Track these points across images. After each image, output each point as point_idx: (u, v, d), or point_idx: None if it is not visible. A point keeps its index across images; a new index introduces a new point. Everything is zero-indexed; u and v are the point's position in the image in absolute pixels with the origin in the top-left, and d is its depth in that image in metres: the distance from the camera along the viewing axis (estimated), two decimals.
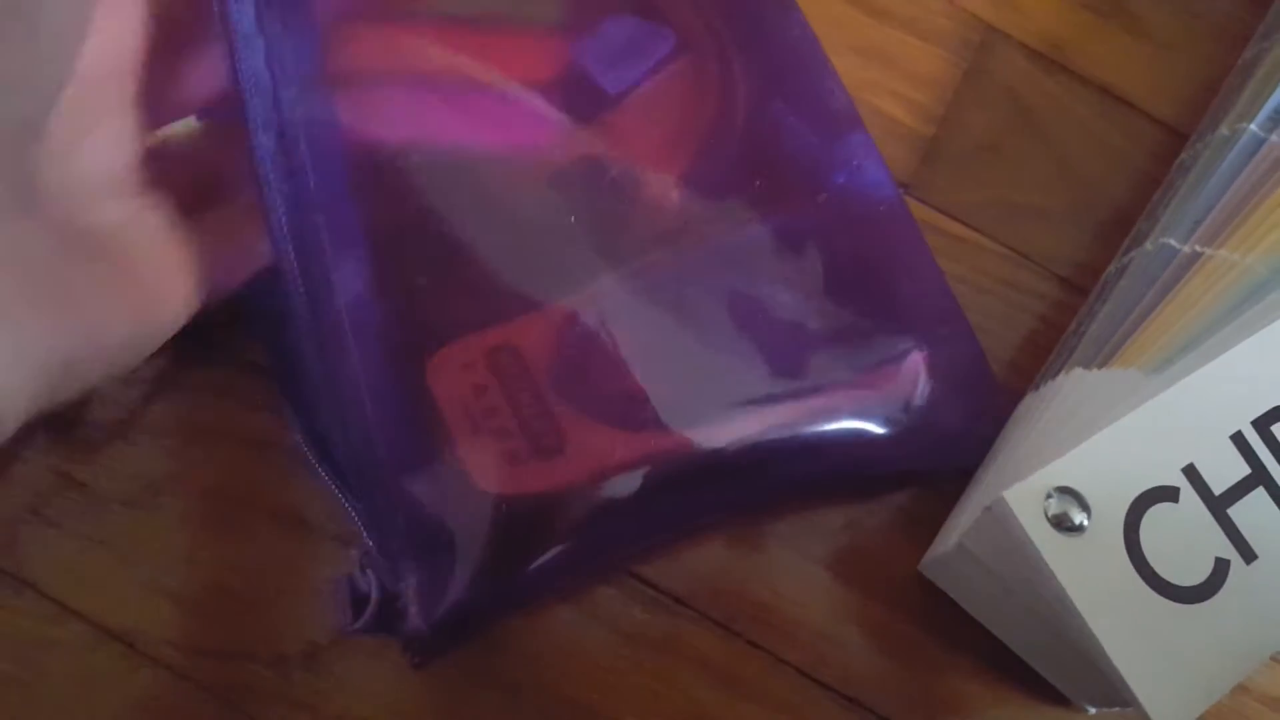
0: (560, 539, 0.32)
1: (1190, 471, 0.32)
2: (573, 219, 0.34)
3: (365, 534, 0.32)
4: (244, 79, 0.28)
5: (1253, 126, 0.40)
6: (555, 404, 0.32)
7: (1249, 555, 0.32)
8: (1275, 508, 0.33)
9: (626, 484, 0.33)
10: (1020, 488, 0.31)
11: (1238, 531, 0.32)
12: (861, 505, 0.38)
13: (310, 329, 0.30)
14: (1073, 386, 0.36)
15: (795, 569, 0.37)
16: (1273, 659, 0.37)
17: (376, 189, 0.31)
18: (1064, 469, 0.32)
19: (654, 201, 0.35)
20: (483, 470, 0.31)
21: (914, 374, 0.36)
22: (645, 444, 0.33)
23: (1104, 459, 0.32)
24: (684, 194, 0.35)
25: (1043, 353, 0.40)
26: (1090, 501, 0.32)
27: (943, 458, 0.37)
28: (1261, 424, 0.33)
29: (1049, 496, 0.32)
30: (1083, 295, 0.41)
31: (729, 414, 0.34)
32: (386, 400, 0.30)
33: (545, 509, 0.32)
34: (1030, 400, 0.38)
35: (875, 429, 0.35)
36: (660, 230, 0.34)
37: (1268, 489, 0.33)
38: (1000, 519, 0.31)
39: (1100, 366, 0.36)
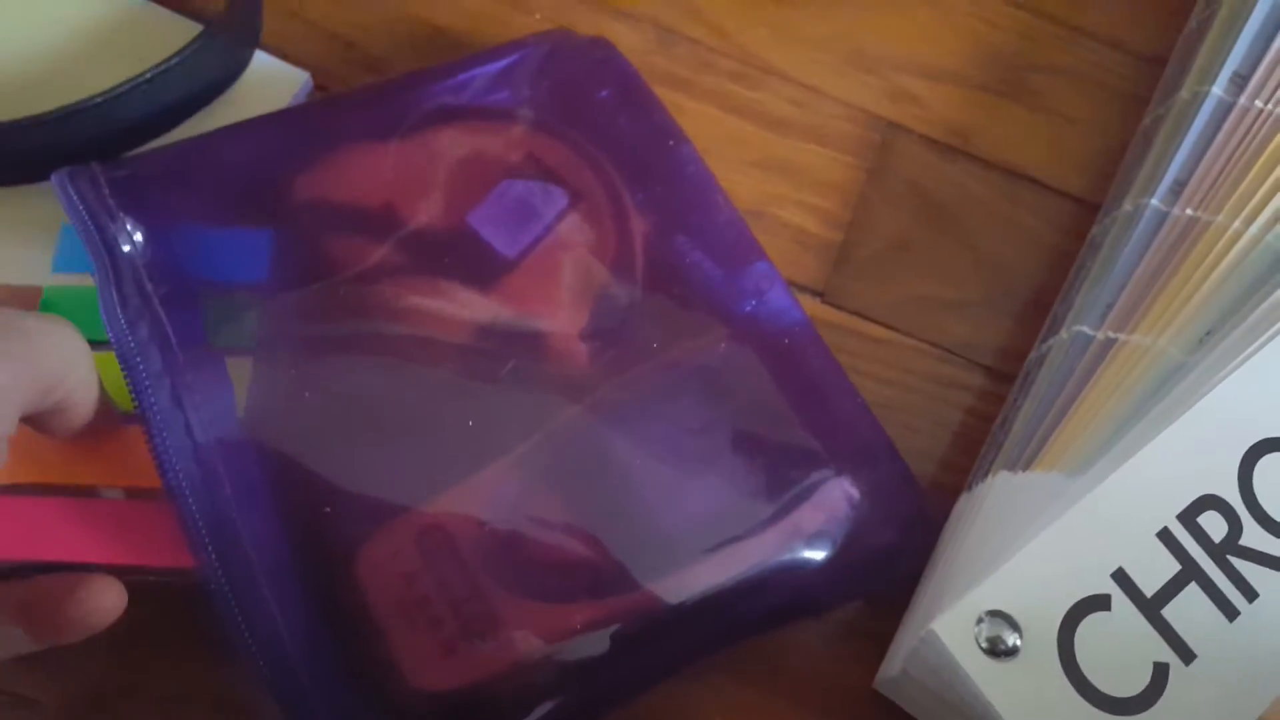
0: None
1: (1120, 576, 0.33)
2: (485, 388, 0.34)
3: None
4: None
5: (1154, 201, 0.41)
6: (485, 584, 0.32)
7: (1187, 656, 0.32)
8: (1209, 602, 0.33)
9: (569, 658, 0.32)
10: (949, 617, 0.31)
11: (1174, 632, 0.32)
12: (808, 627, 0.38)
13: (217, 578, 0.30)
14: (999, 492, 0.36)
15: (750, 702, 0.37)
16: None
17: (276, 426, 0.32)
18: (992, 591, 0.32)
19: (563, 358, 0.35)
20: (417, 667, 0.31)
21: (837, 502, 0.36)
22: (579, 615, 0.32)
23: (1031, 575, 0.32)
24: (592, 346, 0.35)
25: (974, 446, 0.40)
26: (1021, 621, 0.32)
27: (879, 578, 0.37)
28: (1187, 517, 0.34)
29: (979, 621, 0.32)
30: (1008, 381, 0.41)
31: (661, 571, 0.34)
32: (306, 625, 0.30)
33: (482, 697, 0.31)
34: (964, 501, 0.38)
35: (811, 559, 0.35)
36: (572, 387, 0.34)
37: (1200, 584, 0.33)
38: (933, 649, 0.31)
39: (1024, 468, 0.36)
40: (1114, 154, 0.46)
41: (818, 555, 0.35)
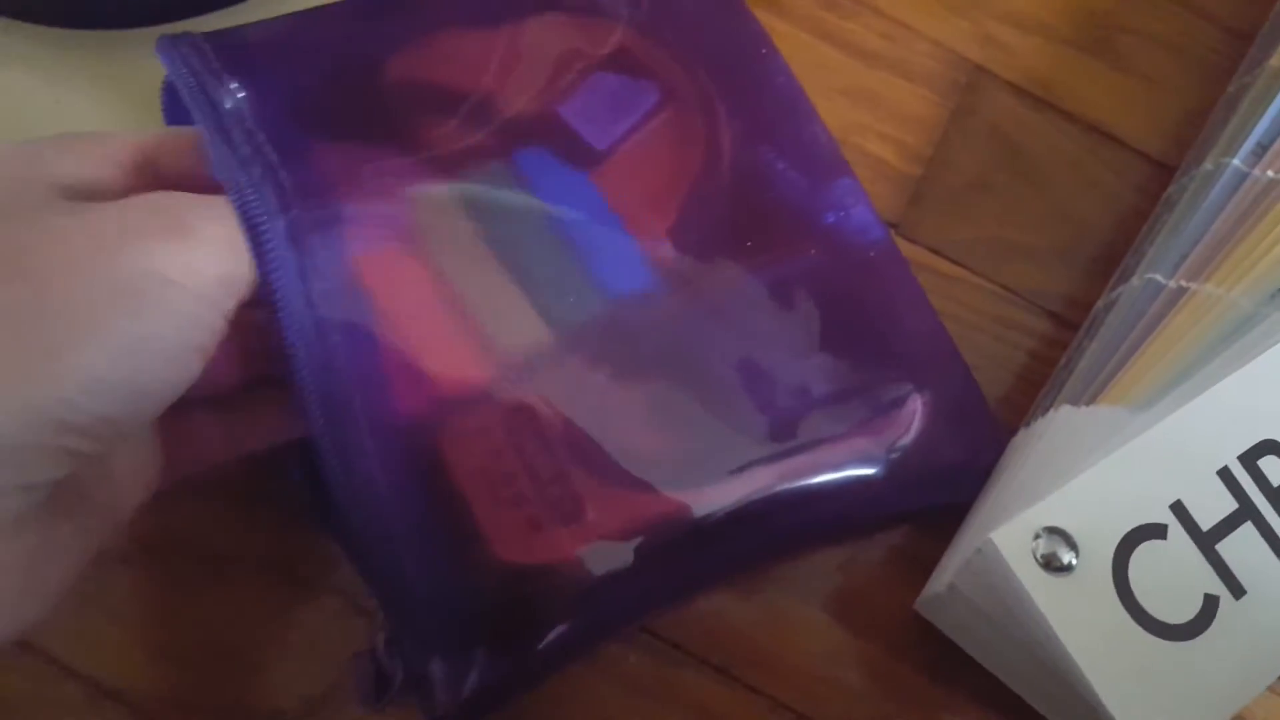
0: (580, 607, 0.32)
1: (1178, 508, 0.33)
2: (573, 273, 0.34)
3: (384, 611, 0.32)
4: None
5: (1236, 161, 0.41)
6: (571, 467, 0.32)
7: (1238, 591, 0.32)
8: (1263, 542, 0.33)
9: (640, 548, 0.33)
10: (1008, 529, 0.32)
11: (1226, 567, 0.32)
12: (857, 546, 0.38)
13: (320, 425, 0.30)
14: (1061, 424, 0.36)
15: (791, 612, 0.37)
16: (1270, 690, 0.37)
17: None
18: (1051, 509, 0.32)
19: (651, 253, 0.35)
20: (503, 541, 0.31)
21: (912, 417, 0.36)
22: (657, 506, 0.33)
23: (1091, 498, 0.32)
24: (679, 243, 0.35)
25: (1034, 388, 0.40)
26: (1078, 540, 0.32)
27: (940, 496, 0.37)
28: (1248, 459, 0.34)
29: (1037, 537, 0.32)
30: (1073, 330, 0.42)
31: (734, 472, 0.34)
32: (402, 483, 0.30)
33: (566, 577, 0.32)
34: (1022, 437, 0.38)
35: (875, 474, 0.36)
36: (659, 282, 0.35)
37: (1255, 524, 0.33)
38: (989, 560, 0.32)
39: (1088, 403, 0.36)
40: (1194, 120, 0.46)
41: (886, 468, 0.36)
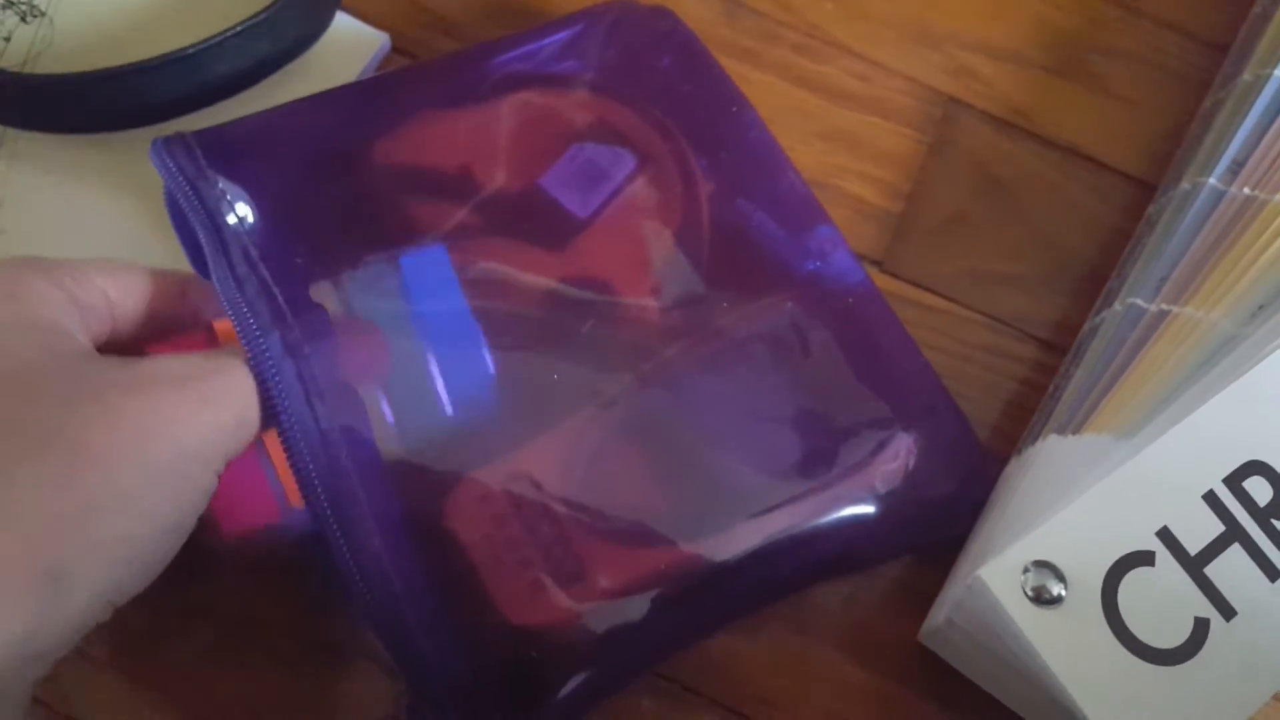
0: (589, 664, 0.33)
1: (1165, 534, 0.33)
2: (567, 345, 0.35)
3: (405, 678, 0.33)
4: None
5: (1212, 180, 0.41)
6: (572, 529, 0.33)
7: (1228, 613, 0.33)
8: (1251, 563, 0.33)
9: (644, 602, 0.34)
10: (995, 564, 0.32)
11: (1216, 590, 0.33)
12: (859, 580, 0.39)
13: (327, 515, 0.31)
14: (1049, 454, 0.37)
15: (799, 649, 0.38)
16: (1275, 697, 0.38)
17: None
18: (1039, 542, 0.33)
19: (636, 316, 0.36)
20: (512, 605, 0.32)
21: (903, 457, 0.37)
22: (659, 560, 0.34)
23: (1078, 529, 0.33)
24: (663, 304, 0.36)
25: (1025, 415, 0.41)
26: (1066, 572, 0.32)
27: (936, 530, 0.38)
28: (1233, 481, 0.34)
29: (1025, 571, 0.32)
30: (1060, 355, 0.42)
31: (733, 522, 0.35)
32: (407, 562, 0.32)
33: (573, 635, 0.33)
34: (1013, 465, 0.39)
35: (870, 514, 0.36)
36: (646, 344, 0.36)
37: (1243, 545, 0.34)
38: (979, 596, 0.32)
39: (1075, 432, 0.37)
40: (1172, 136, 0.46)
41: (880, 509, 0.36)
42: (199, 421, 0.28)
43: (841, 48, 0.46)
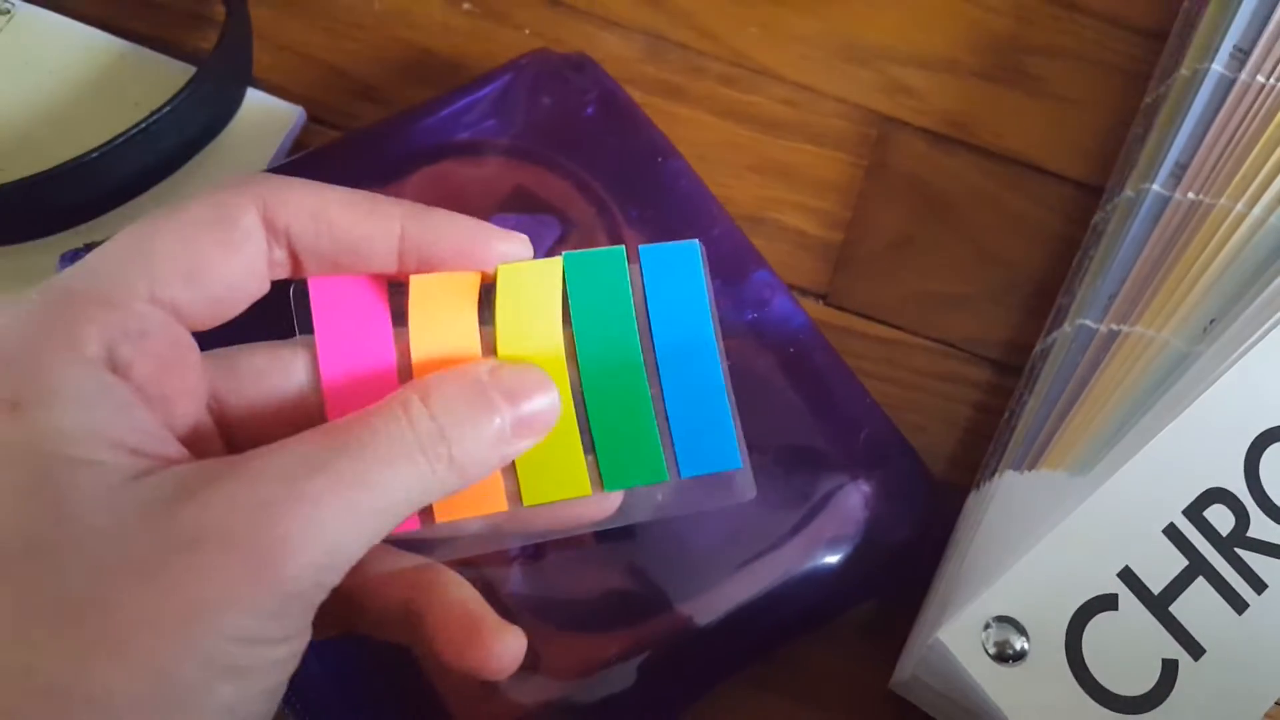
0: None
1: (1127, 575, 0.33)
2: None
3: None
4: None
5: (1155, 186, 0.40)
6: (523, 620, 0.32)
7: (1196, 651, 0.32)
8: (1217, 596, 0.33)
9: (609, 684, 0.33)
10: (956, 624, 0.32)
11: (1182, 629, 0.32)
12: (828, 631, 0.38)
13: None
14: (1005, 492, 0.36)
15: (771, 709, 0.37)
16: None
17: None
18: (997, 597, 0.32)
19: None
20: (462, 708, 0.32)
21: (859, 503, 0.36)
22: (615, 643, 0.33)
23: (1037, 579, 0.32)
24: None
25: (982, 442, 0.40)
26: (1028, 625, 0.32)
27: (898, 575, 0.37)
28: (1193, 512, 0.33)
29: (987, 627, 0.32)
30: (1015, 375, 0.41)
31: (691, 593, 0.34)
32: (344, 667, 0.31)
33: None
34: (973, 500, 0.38)
35: (833, 564, 0.35)
36: None
37: (1207, 578, 0.33)
38: (940, 657, 0.32)
39: (1030, 468, 0.36)
40: (1117, 134, 0.45)
41: (838, 559, 0.35)
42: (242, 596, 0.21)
43: (769, 74, 0.45)
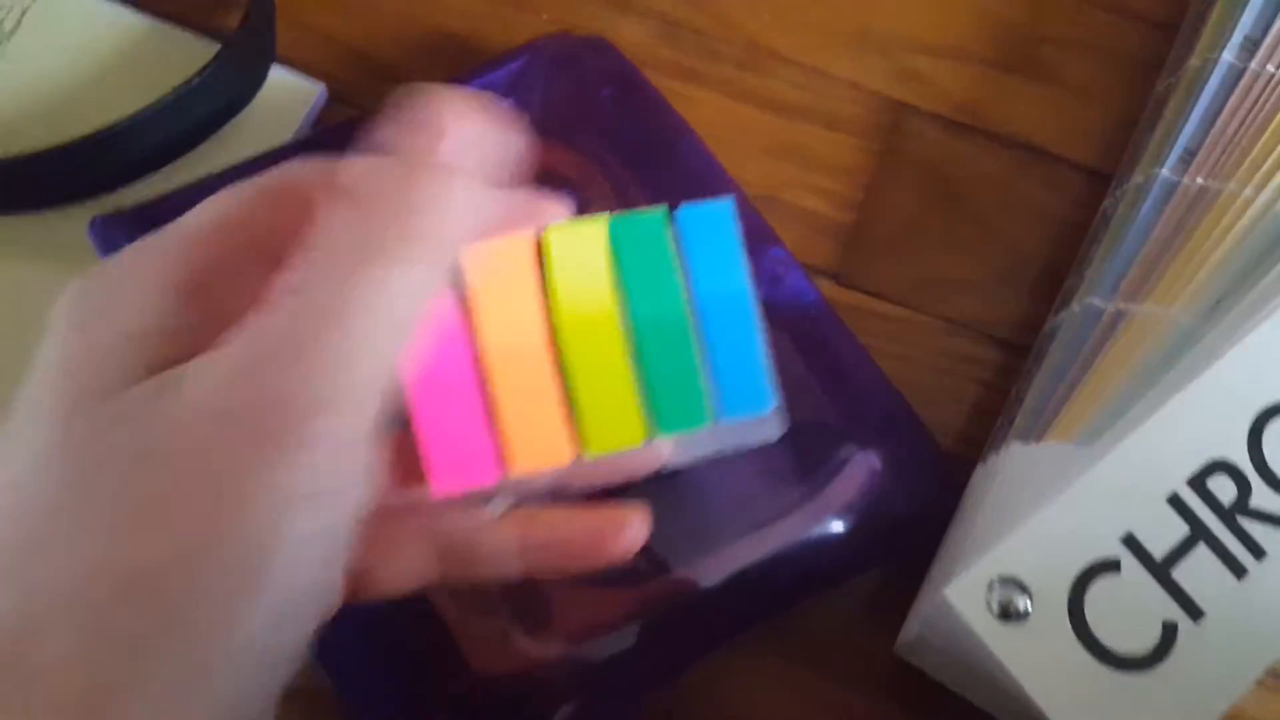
0: (565, 706, 0.33)
1: (1130, 540, 0.33)
2: None
3: None
4: None
5: (1164, 171, 0.41)
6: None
7: (1196, 614, 0.33)
8: (1219, 563, 0.33)
9: (620, 640, 0.34)
10: (960, 583, 0.32)
11: (1183, 592, 0.33)
12: (831, 596, 0.39)
13: None
14: (1012, 463, 0.36)
15: (775, 672, 0.38)
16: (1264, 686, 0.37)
17: None
18: (1002, 557, 0.33)
19: None
20: (479, 653, 0.32)
21: (868, 474, 0.37)
22: (626, 599, 0.34)
23: (1042, 541, 0.33)
24: None
25: (989, 419, 0.41)
26: (1032, 586, 0.32)
27: (905, 546, 0.38)
28: (1197, 482, 0.34)
29: (991, 587, 0.32)
30: (1022, 355, 0.42)
31: (702, 553, 0.35)
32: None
33: (546, 680, 0.33)
34: (979, 474, 0.39)
35: (841, 531, 0.36)
36: None
37: (1209, 545, 0.33)
38: (945, 615, 0.32)
39: (1037, 439, 0.37)
40: (1127, 124, 0.46)
41: (847, 527, 0.36)
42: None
43: (783, 59, 0.46)
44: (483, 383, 0.26)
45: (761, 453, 0.35)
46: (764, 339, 0.28)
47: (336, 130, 0.39)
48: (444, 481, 0.25)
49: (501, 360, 0.26)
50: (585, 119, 0.39)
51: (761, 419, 0.28)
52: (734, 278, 0.28)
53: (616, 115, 0.39)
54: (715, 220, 0.28)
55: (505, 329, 0.26)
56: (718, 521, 0.35)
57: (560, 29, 0.43)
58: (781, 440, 0.36)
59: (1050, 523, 0.33)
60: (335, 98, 0.44)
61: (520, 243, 0.26)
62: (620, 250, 0.27)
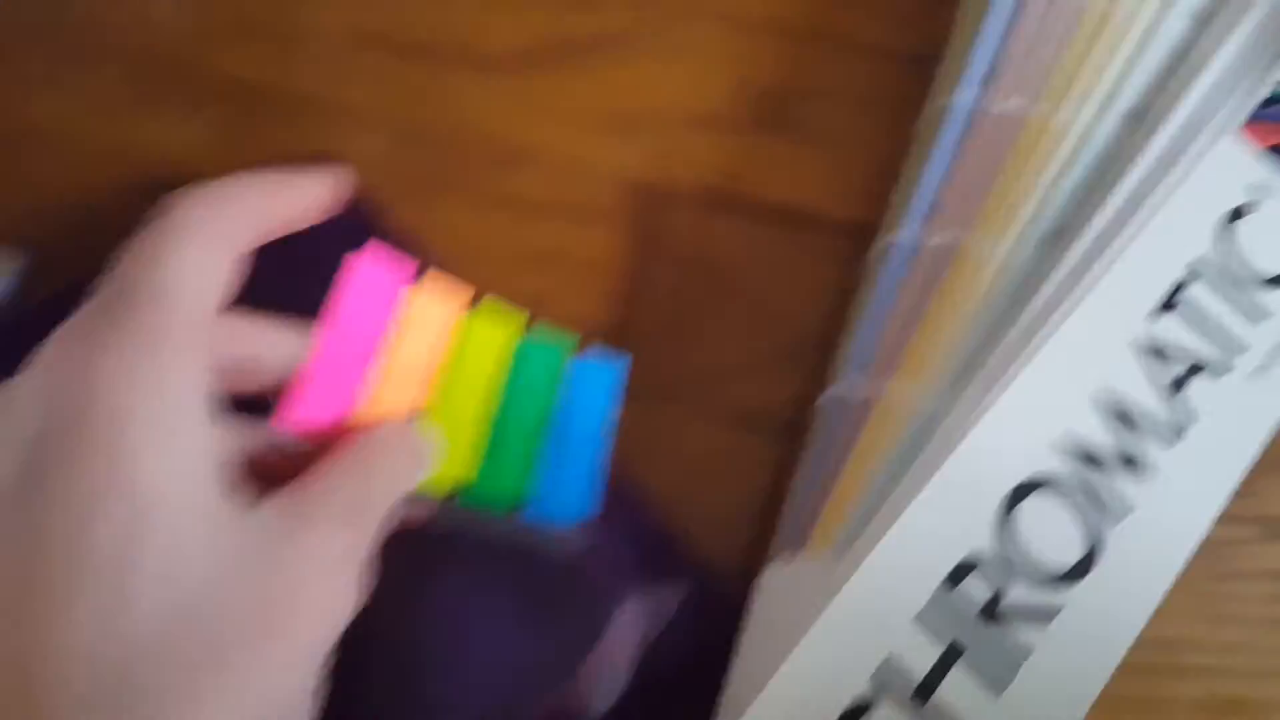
0: None
1: (883, 671, 0.32)
2: None
3: None
4: None
5: (908, 231, 0.39)
6: None
7: None
8: (974, 681, 0.32)
9: None
10: None
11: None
12: None
13: None
14: (772, 587, 0.35)
15: None
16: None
17: None
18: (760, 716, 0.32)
19: None
20: None
21: (635, 628, 0.35)
22: None
23: (791, 696, 0.32)
24: None
25: (775, 517, 0.40)
26: None
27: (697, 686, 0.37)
28: (945, 590, 0.33)
29: None
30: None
31: None
32: None
33: None
34: (754, 592, 0.37)
35: (623, 687, 0.35)
36: None
37: (966, 662, 0.32)
38: None
39: (795, 551, 0.35)
40: (890, 171, 0.44)
41: (630, 685, 0.35)
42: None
43: (531, 156, 0.44)
44: (370, 371, 0.31)
45: (527, 621, 0.34)
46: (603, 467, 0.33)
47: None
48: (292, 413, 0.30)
49: (396, 367, 0.32)
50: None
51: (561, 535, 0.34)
52: (597, 414, 0.35)
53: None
54: (605, 371, 0.36)
55: (411, 349, 0.32)
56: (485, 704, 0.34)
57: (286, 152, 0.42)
58: (541, 605, 0.35)
59: (796, 675, 0.32)
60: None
61: (456, 301, 0.34)
62: (526, 347, 0.35)
